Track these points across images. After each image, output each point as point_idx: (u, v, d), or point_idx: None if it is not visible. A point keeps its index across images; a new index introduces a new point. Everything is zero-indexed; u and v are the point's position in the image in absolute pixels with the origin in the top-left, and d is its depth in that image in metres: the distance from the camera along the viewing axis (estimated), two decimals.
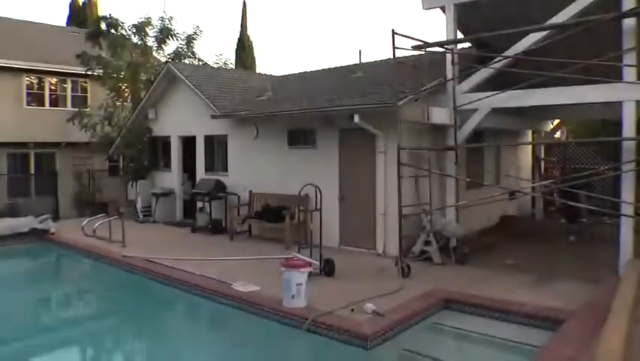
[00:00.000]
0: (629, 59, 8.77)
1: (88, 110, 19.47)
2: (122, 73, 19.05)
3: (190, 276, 9.36)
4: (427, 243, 10.13)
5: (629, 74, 8.76)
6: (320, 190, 9.66)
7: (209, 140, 15.10)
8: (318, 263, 9.01)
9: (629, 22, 8.79)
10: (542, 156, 16.13)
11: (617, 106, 8.92)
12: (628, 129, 8.81)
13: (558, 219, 14.44)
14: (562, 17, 9.39)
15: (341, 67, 15.62)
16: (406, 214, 9.65)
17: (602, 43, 10.71)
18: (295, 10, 56.82)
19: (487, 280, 8.77)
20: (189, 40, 21.42)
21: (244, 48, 31.52)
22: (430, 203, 10.58)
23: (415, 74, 11.06)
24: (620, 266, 8.65)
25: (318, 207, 9.65)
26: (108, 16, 19.54)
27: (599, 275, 8.75)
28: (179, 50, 21.36)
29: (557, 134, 19.59)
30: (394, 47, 9.52)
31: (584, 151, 17.31)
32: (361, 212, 11.15)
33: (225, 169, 14.48)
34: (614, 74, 9.01)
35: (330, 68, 16.04)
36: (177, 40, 21.04)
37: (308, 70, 17.08)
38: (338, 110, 10.94)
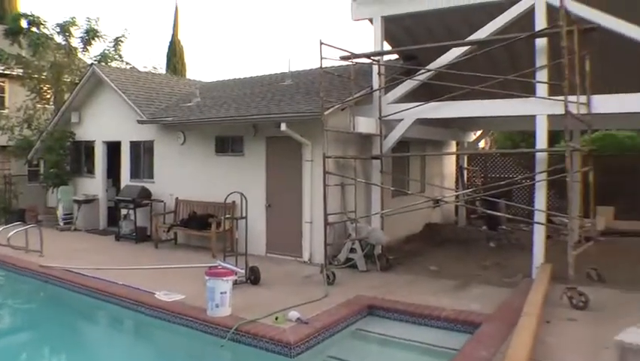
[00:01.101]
0: (542, 75, 9.25)
1: (5, 111, 18.61)
2: (44, 74, 18.33)
3: (112, 286, 9.06)
4: (353, 250, 10.27)
5: (541, 89, 9.23)
6: (246, 198, 9.64)
7: (135, 145, 14.73)
8: (243, 271, 8.96)
9: (541, 42, 9.27)
10: (465, 165, 16.69)
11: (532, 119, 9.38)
12: (541, 142, 9.28)
13: (480, 227, 14.99)
14: (483, 33, 9.77)
15: (270, 75, 15.67)
16: (331, 222, 9.77)
17: (520, 60, 11.26)
18: (227, 16, 56.47)
19: (411, 286, 8.98)
20: (117, 42, 20.93)
21: (175, 52, 31.05)
22: (355, 211, 10.74)
23: (342, 83, 11.26)
24: (533, 270, 9.08)
25: (245, 215, 9.63)
26: (29, 14, 18.79)
27: (515, 280, 9.20)
28: (106, 52, 20.80)
29: (481, 144, 20.36)
30: (322, 57, 9.64)
31: (505, 161, 18.09)
32: (288, 220, 11.19)
33: (151, 176, 14.16)
34: (530, 89, 9.47)
35: (259, 76, 16.06)
36: (104, 41, 20.50)
37: (237, 77, 17.01)
38: (266, 118, 10.96)
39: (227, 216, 11.08)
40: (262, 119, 11.06)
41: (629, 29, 8.76)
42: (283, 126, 10.23)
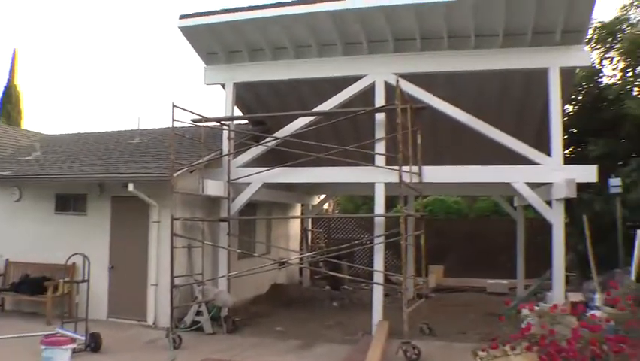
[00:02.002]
0: (380, 146, 10.16)
1: None
2: None
3: None
4: (199, 313, 10.20)
5: (380, 159, 10.11)
6: (88, 260, 9.25)
7: None
8: (83, 338, 8.51)
9: (380, 116, 10.24)
10: (310, 227, 17.35)
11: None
12: (379, 207, 10.10)
13: (323, 287, 15.57)
14: (329, 105, 10.54)
15: (118, 131, 15.32)
16: (178, 285, 9.68)
17: (362, 131, 12.24)
18: (74, 68, 53.87)
19: (257, 348, 9.11)
20: None
21: (10, 99, 28.88)
22: (202, 273, 10.73)
23: (192, 145, 11.40)
24: (373, 327, 9.66)
25: (86, 277, 9.20)
26: None
27: (356, 337, 9.71)
28: None
29: (325, 206, 21.30)
30: (173, 119, 9.75)
31: (348, 223, 19.10)
32: (133, 282, 10.83)
33: None
34: (370, 158, 10.32)
35: (106, 132, 15.61)
36: None
37: (83, 131, 16.35)
38: (113, 178, 10.69)
39: (66, 279, 10.48)
40: (109, 179, 10.77)
41: (450, 109, 10.03)
42: (131, 187, 10.06)
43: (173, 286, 9.37)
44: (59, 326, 8.66)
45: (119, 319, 10.87)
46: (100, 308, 10.78)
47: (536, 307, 6.15)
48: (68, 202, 11.75)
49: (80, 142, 14.73)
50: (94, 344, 8.59)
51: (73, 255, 9.20)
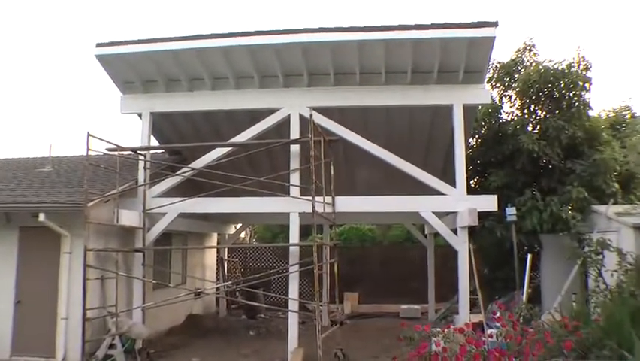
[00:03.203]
0: (295, 177, 10.46)
1: None
2: None
3: None
4: (112, 346, 9.93)
5: (294, 190, 10.41)
6: None
7: None
8: None
9: (295, 148, 10.56)
10: (226, 256, 17.32)
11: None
12: (293, 236, 10.36)
13: (240, 316, 15.55)
14: (245, 136, 10.76)
15: (27, 158, 14.82)
16: (90, 317, 9.44)
17: (278, 161, 12.52)
18: None
19: None
20: None
21: None
22: (116, 305, 10.48)
23: (106, 174, 11.24)
24: (289, 354, 9.80)
25: None
26: None
27: None
28: None
29: (243, 235, 21.33)
30: (88, 149, 9.65)
31: (265, 252, 19.23)
32: (41, 317, 10.34)
33: None
34: (286, 189, 10.58)
35: (14, 159, 15.04)
36: None
37: None
38: (23, 207, 10.28)
39: None
40: (18, 209, 10.37)
41: (362, 142, 10.53)
42: (42, 217, 9.73)
43: (85, 319, 9.14)
44: None
45: (24, 356, 10.28)
46: (2, 346, 10.20)
47: (438, 330, 6.62)
48: None
49: None
50: None
51: None
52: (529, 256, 10.94)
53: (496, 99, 14.72)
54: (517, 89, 14.05)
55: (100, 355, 9.83)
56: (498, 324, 6.54)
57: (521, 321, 7.57)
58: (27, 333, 10.44)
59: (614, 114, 16.53)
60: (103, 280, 10.42)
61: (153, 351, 10.49)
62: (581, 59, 13.58)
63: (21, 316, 10.54)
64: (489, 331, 7.04)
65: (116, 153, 10.82)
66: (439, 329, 6.57)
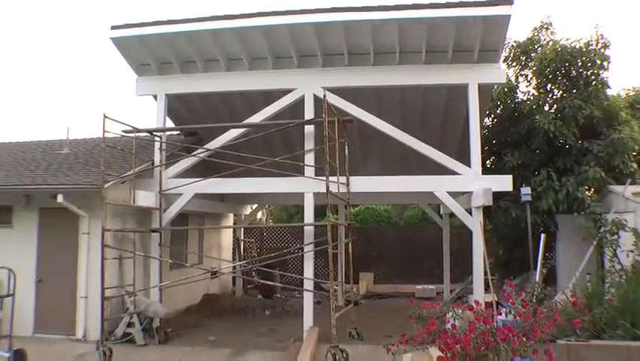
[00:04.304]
0: (309, 158, 10.48)
1: None
2: None
3: None
4: (131, 324, 10.15)
5: (309, 170, 10.44)
6: (14, 273, 9.03)
7: None
8: (8, 355, 8.32)
9: (309, 129, 10.57)
10: (242, 237, 17.47)
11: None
12: (308, 216, 10.41)
13: (256, 296, 15.72)
14: (259, 117, 10.79)
15: (46, 141, 15.02)
16: (108, 296, 9.61)
17: (293, 142, 12.55)
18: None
19: (189, 357, 9.23)
20: None
21: None
22: (134, 284, 10.68)
23: (122, 155, 11.36)
24: (304, 333, 9.92)
25: (11, 292, 8.98)
26: None
27: (287, 343, 9.94)
28: None
29: (259, 215, 21.47)
30: (104, 130, 9.74)
31: (280, 232, 19.36)
32: (61, 295, 10.61)
33: None
34: (301, 169, 10.63)
35: (34, 141, 15.25)
36: None
37: (8, 141, 15.86)
38: (42, 189, 10.46)
39: None
40: (37, 190, 10.56)
41: (376, 122, 10.51)
42: (60, 198, 9.91)
43: (104, 297, 9.30)
44: None
45: (46, 334, 10.59)
46: (25, 323, 10.44)
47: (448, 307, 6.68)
48: None
49: (4, 152, 14.30)
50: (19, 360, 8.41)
51: None
52: (542, 236, 10.89)
53: (512, 79, 14.53)
54: (534, 69, 13.86)
55: (118, 333, 10.05)
56: (508, 302, 6.57)
57: (534, 301, 7.58)
58: (48, 311, 10.72)
59: (633, 93, 16.25)
60: (120, 259, 10.63)
61: (170, 330, 10.66)
62: (599, 37, 13.33)
63: (42, 294, 10.82)
64: (502, 309, 7.07)
65: (132, 134, 10.91)
66: (449, 307, 6.61)
